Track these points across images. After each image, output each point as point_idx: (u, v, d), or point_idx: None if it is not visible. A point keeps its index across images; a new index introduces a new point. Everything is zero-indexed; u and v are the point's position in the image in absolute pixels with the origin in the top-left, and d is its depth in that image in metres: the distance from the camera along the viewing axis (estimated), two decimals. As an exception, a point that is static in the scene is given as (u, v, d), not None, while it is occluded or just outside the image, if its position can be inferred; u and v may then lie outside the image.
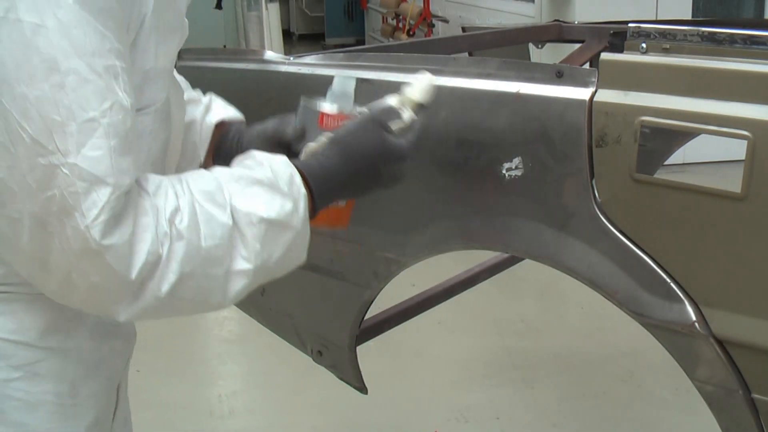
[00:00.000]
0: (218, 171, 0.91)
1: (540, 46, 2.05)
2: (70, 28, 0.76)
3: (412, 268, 1.37)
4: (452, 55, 1.23)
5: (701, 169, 4.41)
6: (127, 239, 0.80)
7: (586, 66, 1.59)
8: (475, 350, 3.08)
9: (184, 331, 3.16)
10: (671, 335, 1.10)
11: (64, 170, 0.77)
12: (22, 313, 0.91)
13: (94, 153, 0.78)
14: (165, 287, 0.83)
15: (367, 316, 1.57)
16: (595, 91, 1.11)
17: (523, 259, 1.88)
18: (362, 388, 1.69)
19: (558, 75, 1.15)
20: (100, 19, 0.78)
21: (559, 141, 1.13)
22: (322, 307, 1.55)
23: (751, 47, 1.03)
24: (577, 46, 1.88)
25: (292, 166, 0.94)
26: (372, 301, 1.49)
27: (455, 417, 2.64)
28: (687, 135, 1.28)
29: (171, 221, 0.83)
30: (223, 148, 1.17)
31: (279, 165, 0.93)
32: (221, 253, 0.86)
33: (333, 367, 1.66)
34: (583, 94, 1.11)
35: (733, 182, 1.02)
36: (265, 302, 1.68)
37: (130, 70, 0.83)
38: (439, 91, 1.25)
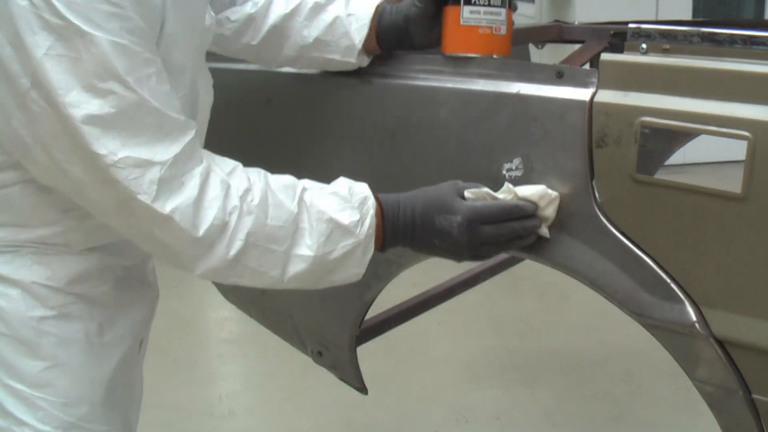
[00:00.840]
0: (305, 180, 1.08)
1: (540, 46, 2.04)
2: (105, 56, 0.88)
3: (413, 268, 1.37)
4: (452, 55, 1.23)
5: (701, 169, 4.41)
6: (191, 202, 0.95)
7: (586, 66, 1.59)
8: (475, 350, 3.08)
9: (185, 332, 3.16)
10: (671, 335, 1.10)
11: (119, 166, 0.91)
12: (55, 264, 1.05)
13: (137, 143, 0.92)
14: (232, 252, 0.98)
15: (367, 317, 1.57)
16: (596, 92, 1.10)
17: (523, 260, 1.88)
18: (362, 389, 1.69)
19: (558, 75, 1.15)
20: (128, 38, 0.90)
21: (559, 141, 1.14)
22: (322, 308, 1.55)
23: (751, 48, 1.02)
24: (577, 46, 1.88)
25: (370, 191, 1.08)
26: (372, 302, 1.49)
27: (455, 417, 2.65)
28: (687, 135, 1.28)
29: (243, 198, 0.99)
30: (383, 24, 1.27)
31: (358, 187, 1.09)
32: (284, 234, 1.01)
33: (333, 368, 1.66)
34: (583, 94, 1.11)
35: (733, 183, 1.02)
36: (266, 303, 1.68)
37: (161, 68, 0.96)
38: (440, 91, 1.25)
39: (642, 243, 1.10)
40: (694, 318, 1.06)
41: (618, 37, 1.52)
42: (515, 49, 2.05)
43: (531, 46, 2.07)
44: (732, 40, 1.03)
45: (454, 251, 1.10)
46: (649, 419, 2.62)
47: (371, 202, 1.08)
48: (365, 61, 1.30)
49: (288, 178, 1.07)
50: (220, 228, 0.97)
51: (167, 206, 0.94)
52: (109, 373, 1.12)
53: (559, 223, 1.15)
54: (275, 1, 1.30)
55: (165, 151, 0.94)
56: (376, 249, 1.09)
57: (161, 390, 2.72)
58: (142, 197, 0.92)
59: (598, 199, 1.12)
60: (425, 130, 1.27)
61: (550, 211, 1.13)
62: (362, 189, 1.08)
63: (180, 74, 1.03)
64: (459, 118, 1.23)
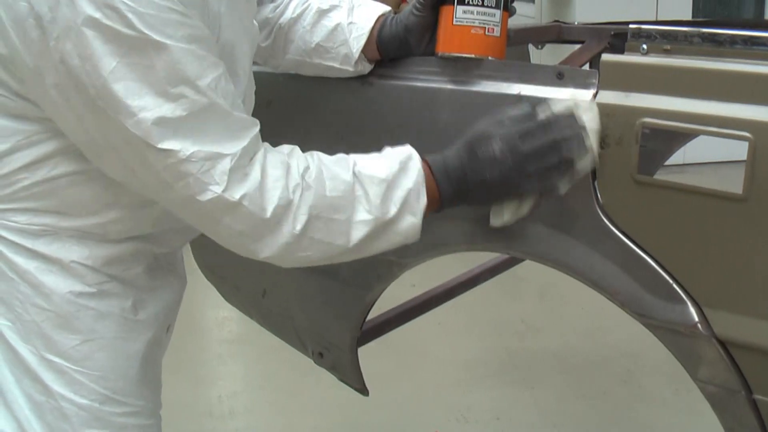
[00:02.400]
0: (353, 154, 1.11)
1: (540, 46, 2.04)
2: (176, 62, 0.93)
3: (413, 269, 1.37)
4: (444, 55, 1.23)
5: (702, 169, 4.41)
6: (257, 186, 1.00)
7: (586, 67, 1.59)
8: (475, 351, 3.08)
9: (185, 332, 3.16)
10: (674, 336, 1.10)
11: (191, 160, 0.95)
12: (92, 245, 1.09)
13: (208, 141, 0.96)
14: (298, 226, 1.03)
15: (367, 318, 1.57)
16: (596, 93, 1.11)
17: (523, 260, 1.88)
18: (363, 390, 1.69)
19: (559, 76, 1.15)
20: (196, 44, 0.94)
21: (560, 142, 1.13)
22: (323, 309, 1.55)
23: (751, 48, 1.02)
24: (577, 46, 1.88)
25: (413, 150, 1.11)
26: (374, 303, 1.49)
27: (456, 417, 2.65)
28: (688, 136, 1.28)
29: (302, 175, 1.04)
30: (384, 34, 1.29)
31: (401, 147, 1.12)
32: (344, 203, 1.06)
33: (334, 369, 1.65)
34: (584, 95, 1.11)
35: (734, 183, 1.02)
36: (266, 304, 1.68)
37: (225, 70, 1.00)
38: (440, 93, 1.25)
39: (644, 243, 1.10)
40: (696, 318, 1.07)
41: (618, 37, 1.52)
42: (515, 50, 2.05)
43: (530, 47, 2.06)
44: (732, 40, 1.03)
45: (506, 179, 1.09)
46: (649, 420, 2.62)
47: (415, 155, 1.11)
48: (367, 68, 1.31)
49: (339, 155, 1.11)
50: (284, 206, 1.02)
51: (236, 194, 0.98)
52: (142, 349, 1.16)
53: (560, 224, 1.15)
54: (290, 6, 1.33)
55: (233, 145, 0.98)
56: (436, 209, 1.12)
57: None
58: (213, 188, 0.97)
59: (600, 200, 1.12)
60: (426, 131, 1.27)
61: (589, 121, 1.09)
62: (404, 148, 1.12)
63: (234, 81, 1.07)
64: (459, 119, 1.23)
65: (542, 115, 1.11)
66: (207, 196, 0.97)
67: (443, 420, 2.63)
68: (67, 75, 0.92)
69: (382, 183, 1.07)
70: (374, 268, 1.11)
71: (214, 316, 3.38)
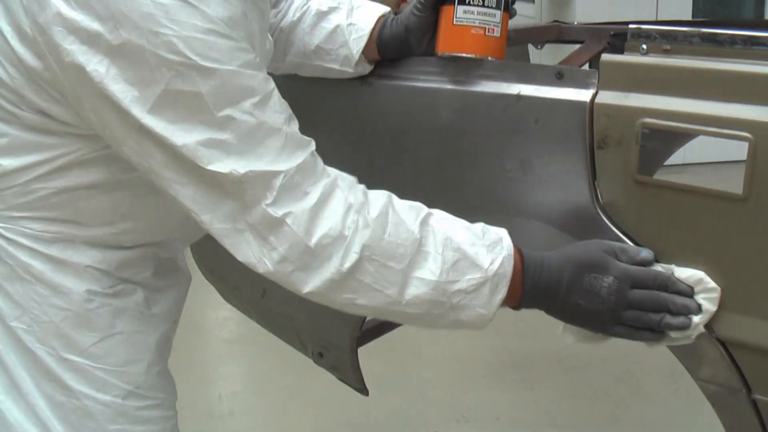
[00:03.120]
0: (438, 212, 1.05)
1: (539, 47, 2.04)
2: (223, 86, 0.91)
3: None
4: (444, 55, 1.23)
5: (702, 169, 4.41)
6: (309, 208, 0.95)
7: (585, 67, 1.59)
8: (475, 351, 3.08)
9: (185, 332, 3.16)
10: (673, 336, 1.10)
11: (243, 180, 0.93)
12: (104, 250, 1.10)
13: (260, 160, 0.94)
14: (347, 264, 0.97)
15: (367, 318, 1.57)
16: (596, 93, 1.10)
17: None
18: (363, 390, 1.68)
19: (558, 76, 1.14)
20: (243, 66, 0.93)
21: (560, 143, 1.13)
22: (323, 309, 1.54)
23: (751, 48, 1.02)
24: (577, 47, 1.88)
25: (507, 235, 1.04)
26: (373, 303, 1.49)
27: (455, 417, 2.65)
28: (687, 136, 1.28)
29: (360, 212, 0.98)
30: (384, 35, 1.28)
31: (494, 229, 1.05)
32: (402, 252, 0.99)
33: (334, 369, 1.65)
34: (583, 95, 1.11)
35: (734, 183, 1.02)
36: (266, 304, 1.68)
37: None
38: (440, 93, 1.25)
39: (643, 243, 1.10)
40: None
41: (618, 37, 1.52)
42: (515, 50, 2.06)
43: (530, 47, 2.06)
44: (732, 40, 1.03)
45: (598, 314, 1.04)
46: (649, 419, 2.62)
47: (507, 244, 1.03)
48: (367, 69, 1.31)
49: (415, 203, 1.05)
50: (334, 238, 0.97)
51: (281, 210, 0.95)
52: (158, 342, 1.17)
53: (560, 223, 1.15)
54: (290, 9, 1.33)
55: (286, 163, 0.95)
56: (510, 304, 1.04)
57: (161, 390, 2.72)
58: (262, 203, 0.95)
59: (600, 200, 1.12)
60: (425, 131, 1.27)
61: (706, 302, 1.03)
62: (498, 231, 1.05)
63: None
64: (459, 119, 1.23)
65: (662, 269, 1.06)
66: (255, 212, 0.95)
67: (443, 420, 2.63)
68: (107, 100, 0.91)
69: (458, 252, 1.00)
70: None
71: (214, 317, 3.38)
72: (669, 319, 1.03)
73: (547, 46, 1.97)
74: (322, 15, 1.30)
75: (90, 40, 0.89)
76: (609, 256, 1.04)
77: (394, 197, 1.04)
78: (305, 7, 1.32)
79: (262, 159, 0.94)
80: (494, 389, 2.81)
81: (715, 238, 1.04)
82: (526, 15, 5.45)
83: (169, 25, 0.88)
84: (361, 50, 1.27)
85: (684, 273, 1.05)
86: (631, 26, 1.10)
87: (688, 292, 1.04)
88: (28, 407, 1.07)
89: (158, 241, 1.17)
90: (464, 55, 1.20)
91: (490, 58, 1.20)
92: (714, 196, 1.03)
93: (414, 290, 1.00)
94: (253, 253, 0.98)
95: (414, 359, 3.01)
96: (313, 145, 1.02)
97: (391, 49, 1.28)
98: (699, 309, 1.03)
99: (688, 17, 4.92)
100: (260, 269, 0.99)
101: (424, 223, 1.01)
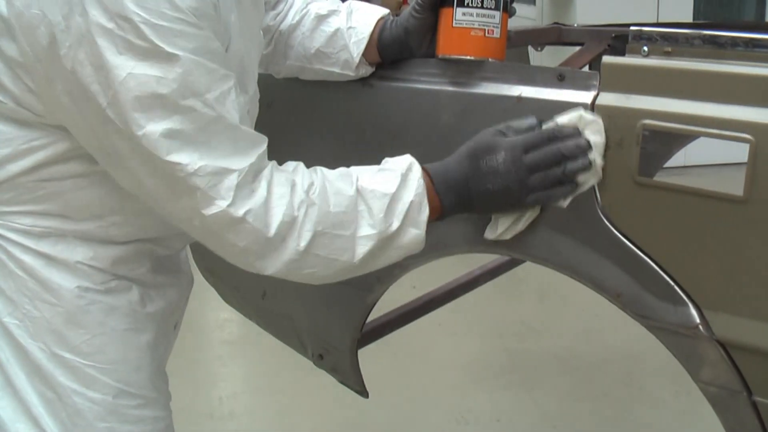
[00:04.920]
0: (355, 167, 1.11)
1: (539, 48, 2.04)
2: (187, 75, 0.93)
3: (414, 271, 1.37)
4: (445, 57, 1.23)
5: (702, 171, 4.41)
6: (262, 203, 0.99)
7: (585, 69, 1.59)
8: (475, 353, 3.08)
9: (185, 333, 3.15)
10: (675, 338, 1.10)
11: (199, 174, 0.95)
12: (96, 246, 1.10)
13: (216, 155, 0.96)
14: (303, 243, 1.03)
15: (368, 320, 1.57)
16: (597, 95, 1.11)
17: (523, 262, 1.87)
18: (363, 392, 1.68)
19: (559, 78, 1.15)
20: (208, 57, 0.94)
21: (560, 144, 1.13)
22: (323, 311, 1.55)
23: (752, 50, 1.03)
24: (577, 48, 1.88)
25: (413, 160, 1.11)
26: (374, 305, 1.49)
27: (456, 419, 2.65)
28: (688, 138, 1.28)
29: (307, 192, 1.04)
30: (384, 37, 1.29)
31: (401, 158, 1.11)
32: (348, 219, 1.05)
33: (334, 371, 1.65)
34: (584, 97, 1.11)
35: (734, 185, 1.02)
36: (266, 305, 1.68)
37: (235, 83, 1.00)
38: (441, 95, 1.25)
39: (645, 245, 1.10)
40: (697, 320, 1.06)
41: (619, 39, 1.52)
42: (515, 52, 2.06)
43: (530, 48, 2.06)
44: (733, 42, 1.03)
45: (507, 191, 1.09)
46: (649, 421, 2.62)
47: (415, 166, 1.10)
48: (368, 72, 1.32)
49: (341, 169, 1.10)
50: (289, 223, 1.02)
51: (241, 210, 0.98)
52: (151, 341, 1.17)
53: (561, 226, 1.15)
54: (290, 12, 1.34)
55: (241, 161, 0.98)
56: (438, 218, 1.12)
57: (161, 392, 2.72)
58: (219, 202, 0.97)
59: (601, 202, 1.12)
60: (426, 133, 1.27)
61: (593, 135, 1.08)
62: (404, 158, 1.11)
63: (243, 89, 1.07)
64: (460, 121, 1.23)
65: (546, 126, 1.11)
66: (212, 210, 0.97)
67: (443, 422, 2.63)
68: (78, 83, 0.93)
69: (384, 197, 1.07)
70: (375, 270, 1.11)
71: (214, 318, 3.38)
72: (570, 164, 1.08)
73: (547, 47, 1.97)
74: (321, 18, 1.31)
75: (61, 22, 0.90)
76: (497, 136, 1.10)
77: (326, 170, 1.09)
78: (304, 11, 1.33)
79: (219, 154, 0.96)
80: (494, 391, 2.81)
81: (716, 240, 1.04)
82: (526, 17, 5.45)
83: (138, 12, 0.89)
84: (361, 53, 1.28)
85: (564, 118, 1.10)
86: (632, 28, 1.10)
87: (575, 132, 1.09)
88: (20, 403, 1.08)
89: (153, 237, 1.17)
90: (464, 57, 1.20)
91: (490, 59, 1.20)
92: (714, 197, 1.03)
93: (363, 248, 1.07)
94: (213, 245, 1.04)
95: (414, 361, 3.01)
96: (265, 142, 1.04)
97: (391, 52, 1.28)
98: (589, 144, 1.08)
99: (689, 19, 4.92)
100: (224, 257, 1.06)
101: (355, 186, 1.07)
